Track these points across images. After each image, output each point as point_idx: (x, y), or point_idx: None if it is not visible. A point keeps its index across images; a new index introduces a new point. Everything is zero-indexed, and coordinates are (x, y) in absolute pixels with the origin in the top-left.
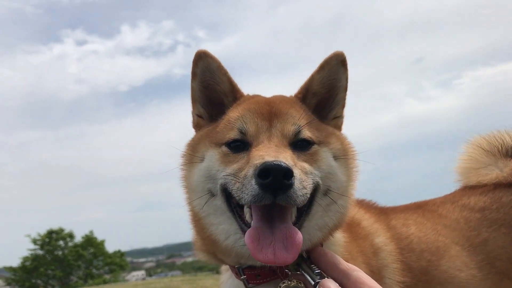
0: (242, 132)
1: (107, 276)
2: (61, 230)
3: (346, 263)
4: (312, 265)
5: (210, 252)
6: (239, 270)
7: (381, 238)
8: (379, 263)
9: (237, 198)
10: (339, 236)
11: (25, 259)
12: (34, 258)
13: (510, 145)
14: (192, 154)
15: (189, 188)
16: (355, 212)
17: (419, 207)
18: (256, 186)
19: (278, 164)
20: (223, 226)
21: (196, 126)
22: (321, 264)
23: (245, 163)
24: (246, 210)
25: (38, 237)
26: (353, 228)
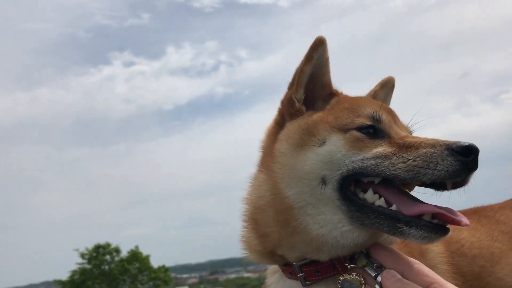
0: (376, 120)
1: None
2: (108, 245)
3: (406, 256)
4: (371, 259)
5: (265, 252)
6: (296, 268)
7: None
8: (427, 264)
9: (406, 177)
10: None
11: (74, 272)
12: (82, 272)
13: None
14: (309, 137)
15: (291, 175)
16: None
17: (475, 213)
18: (455, 163)
19: (477, 147)
20: (323, 216)
21: (297, 111)
22: (381, 257)
23: (396, 148)
24: (369, 194)
25: (85, 252)
26: None
